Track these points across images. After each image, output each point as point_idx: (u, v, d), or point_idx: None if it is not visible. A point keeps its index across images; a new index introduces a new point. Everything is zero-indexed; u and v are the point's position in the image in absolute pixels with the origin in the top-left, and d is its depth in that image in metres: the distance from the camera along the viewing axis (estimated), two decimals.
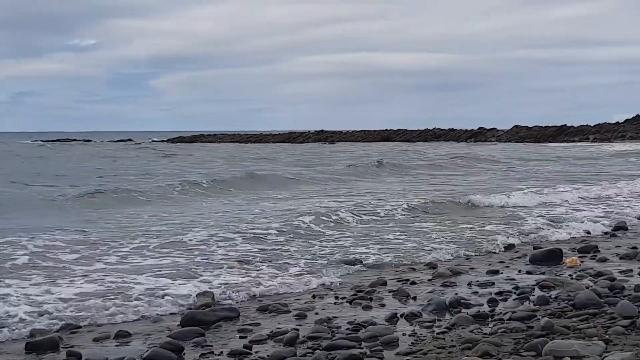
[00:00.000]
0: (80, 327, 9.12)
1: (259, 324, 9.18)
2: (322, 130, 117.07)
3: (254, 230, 15.98)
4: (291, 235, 15.71)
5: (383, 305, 10.01)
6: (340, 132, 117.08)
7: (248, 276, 11.75)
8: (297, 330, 8.68)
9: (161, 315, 9.67)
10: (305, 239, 15.41)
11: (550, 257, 13.09)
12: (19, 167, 42.94)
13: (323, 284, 11.42)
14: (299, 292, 10.98)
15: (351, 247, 14.55)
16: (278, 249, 14.25)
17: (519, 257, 13.55)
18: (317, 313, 9.62)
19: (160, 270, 12.06)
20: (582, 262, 12.84)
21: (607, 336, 7.87)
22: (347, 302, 10.22)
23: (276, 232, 15.94)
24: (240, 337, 8.63)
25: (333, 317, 9.40)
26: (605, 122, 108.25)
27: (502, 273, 12.14)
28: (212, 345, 8.32)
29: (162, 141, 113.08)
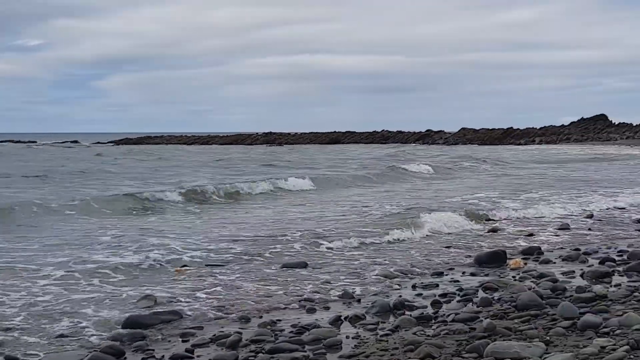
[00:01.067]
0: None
1: (201, 328, 9.12)
2: (271, 132, 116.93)
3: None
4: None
5: (327, 308, 9.99)
6: (289, 134, 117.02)
7: (191, 280, 11.66)
8: (240, 333, 8.63)
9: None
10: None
11: (495, 258, 13.18)
12: None
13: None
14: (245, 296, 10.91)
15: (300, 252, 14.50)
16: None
17: (463, 258, 13.61)
18: (261, 316, 9.57)
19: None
20: (525, 263, 12.94)
21: (547, 337, 7.93)
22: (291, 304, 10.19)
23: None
24: (183, 341, 8.55)
25: (277, 320, 9.36)
26: (551, 125, 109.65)
27: (446, 275, 12.19)
28: (153, 350, 8.24)
29: (109, 143, 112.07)
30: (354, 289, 11.05)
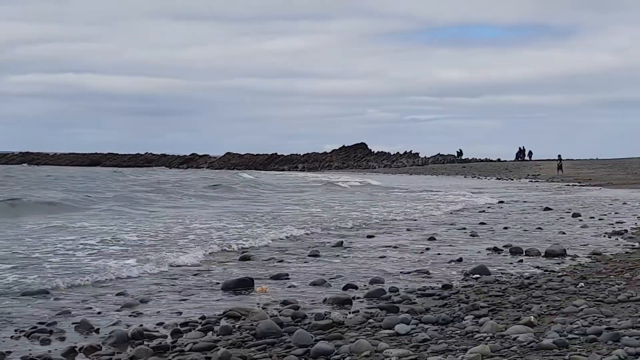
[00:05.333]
0: None
1: None
2: (28, 152, 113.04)
3: None
4: None
5: (63, 339, 9.65)
6: (47, 154, 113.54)
7: None
8: None
9: None
10: None
11: (241, 284, 13.26)
12: None
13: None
14: None
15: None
16: None
17: (212, 283, 13.57)
18: None
19: None
20: (267, 290, 13.07)
21: None
22: (25, 335, 9.76)
23: None
24: None
25: (7, 351, 8.94)
26: (314, 152, 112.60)
27: (192, 301, 12.10)
28: None
29: None
30: (93, 318, 10.76)
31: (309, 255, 17.41)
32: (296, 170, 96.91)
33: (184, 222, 24.40)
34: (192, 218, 26.02)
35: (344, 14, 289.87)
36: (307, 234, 21.93)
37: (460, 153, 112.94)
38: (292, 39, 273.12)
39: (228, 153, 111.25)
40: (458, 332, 9.28)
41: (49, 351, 8.99)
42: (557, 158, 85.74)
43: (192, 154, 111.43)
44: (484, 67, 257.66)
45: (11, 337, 9.70)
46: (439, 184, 60.60)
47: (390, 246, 18.74)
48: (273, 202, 36.48)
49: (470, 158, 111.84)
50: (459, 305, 10.94)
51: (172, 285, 13.49)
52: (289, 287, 13.44)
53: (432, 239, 20.43)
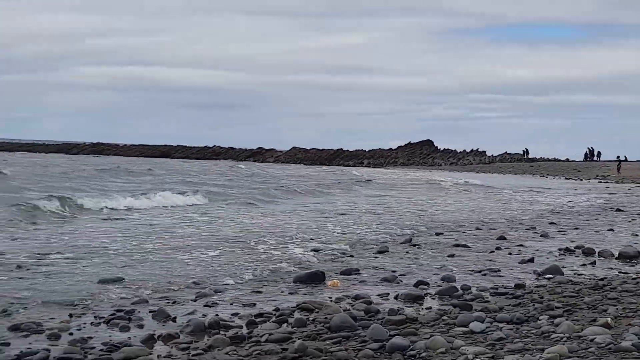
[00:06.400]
0: None
1: (8, 344, 8.81)
2: (99, 143, 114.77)
3: None
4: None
5: (141, 327, 9.85)
6: (117, 145, 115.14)
7: None
8: (49, 350, 8.40)
9: None
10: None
11: (313, 278, 13.35)
12: None
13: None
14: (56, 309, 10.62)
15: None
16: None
17: (283, 277, 13.69)
18: (71, 333, 9.34)
19: None
20: (341, 284, 13.16)
21: (357, 359, 8.10)
22: (104, 322, 9.98)
23: None
24: None
25: (88, 337, 9.15)
26: (379, 148, 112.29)
27: (265, 293, 12.23)
28: None
29: None
30: (170, 307, 10.95)
31: (377, 252, 17.43)
32: (362, 166, 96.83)
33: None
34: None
35: (411, 10, 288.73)
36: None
37: (526, 152, 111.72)
38: (358, 35, 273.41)
39: (294, 147, 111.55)
40: (533, 331, 9.26)
41: (129, 338, 9.19)
42: (616, 159, 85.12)
43: (259, 148, 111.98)
44: (551, 65, 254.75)
45: (91, 323, 9.92)
46: (530, 184, 58.80)
47: (459, 245, 18.67)
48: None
49: (537, 157, 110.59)
50: (533, 305, 10.90)
51: (246, 276, 13.64)
52: (360, 282, 13.50)
53: (502, 238, 20.31)
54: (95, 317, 10.24)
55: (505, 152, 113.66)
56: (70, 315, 10.28)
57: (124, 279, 12.83)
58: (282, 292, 12.45)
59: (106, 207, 26.14)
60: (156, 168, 62.27)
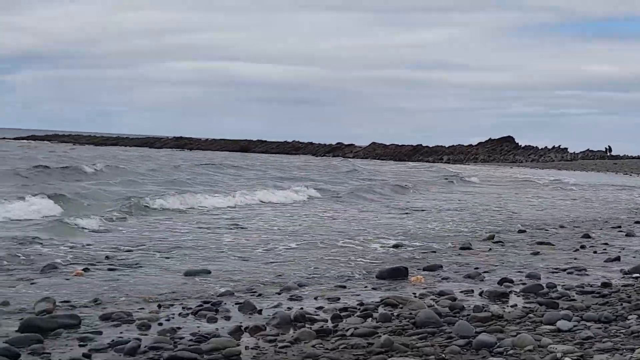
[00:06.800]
0: None
1: (100, 333, 9.03)
2: (181, 137, 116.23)
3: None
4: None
5: (228, 318, 9.99)
6: (199, 139, 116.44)
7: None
8: (139, 340, 8.57)
9: None
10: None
11: (396, 274, 13.36)
12: None
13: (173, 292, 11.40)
14: (145, 301, 10.85)
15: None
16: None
17: (367, 273, 13.73)
18: (160, 324, 9.52)
19: None
20: (423, 280, 13.14)
21: (443, 355, 8.10)
22: (192, 313, 10.15)
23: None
24: (80, 345, 8.47)
25: (177, 327, 9.33)
26: (459, 144, 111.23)
27: (348, 288, 12.29)
28: (50, 353, 8.14)
29: (16, 139, 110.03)
30: (255, 299, 11.09)
31: (460, 248, 17.35)
32: (441, 162, 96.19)
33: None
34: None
35: (492, 6, 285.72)
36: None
37: (609, 149, 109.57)
38: (437, 30, 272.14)
39: (373, 143, 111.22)
40: (622, 331, 9.12)
41: (217, 329, 9.32)
42: None
43: (338, 143, 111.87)
44: (636, 61, 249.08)
45: (179, 314, 10.10)
46: (613, 182, 57.52)
47: (543, 242, 18.47)
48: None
49: (621, 155, 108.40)
50: (621, 304, 10.73)
51: (329, 271, 13.73)
52: (443, 278, 13.46)
53: (586, 236, 20.02)
54: (183, 308, 10.43)
55: (588, 150, 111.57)
56: (159, 306, 10.49)
57: (210, 271, 13.07)
58: (365, 287, 12.49)
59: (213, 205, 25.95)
60: (254, 163, 62.51)
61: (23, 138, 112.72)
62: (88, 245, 15.59)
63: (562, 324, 9.33)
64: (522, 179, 54.81)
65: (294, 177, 44.24)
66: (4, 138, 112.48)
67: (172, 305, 10.62)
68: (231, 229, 19.39)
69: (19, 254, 13.83)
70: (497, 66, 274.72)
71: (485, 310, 10.36)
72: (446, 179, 49.85)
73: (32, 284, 11.69)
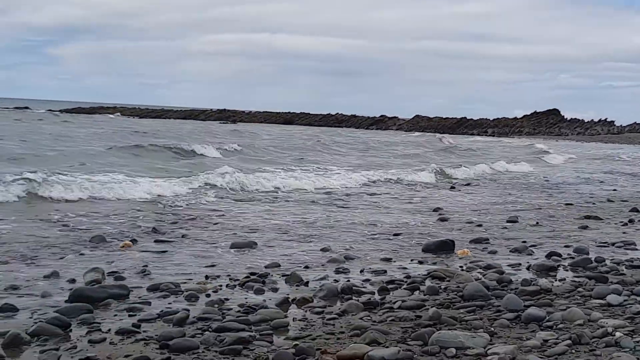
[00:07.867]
0: None
1: (149, 303, 9.08)
2: (225, 109, 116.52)
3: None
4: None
5: (275, 290, 10.00)
6: (242, 112, 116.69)
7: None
8: (188, 310, 8.62)
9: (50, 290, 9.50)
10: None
11: (443, 247, 13.29)
12: None
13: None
14: (192, 272, 10.91)
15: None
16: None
17: (411, 246, 13.70)
18: (208, 295, 9.56)
19: None
20: (469, 253, 13.06)
21: (492, 328, 8.04)
22: (239, 285, 10.18)
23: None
24: (130, 316, 8.53)
25: (225, 299, 9.36)
26: (504, 117, 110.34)
27: (394, 261, 12.26)
28: (100, 323, 8.19)
29: (60, 111, 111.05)
30: (302, 271, 11.10)
31: (507, 221, 17.25)
32: (486, 135, 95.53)
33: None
34: None
35: None
36: None
37: None
38: (486, 2, 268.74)
39: (417, 116, 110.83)
40: None
41: (264, 300, 9.33)
42: None
43: (382, 116, 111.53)
44: None
45: (227, 285, 10.13)
46: None
47: (591, 217, 18.27)
48: None
49: None
50: None
51: (374, 244, 13.72)
52: (490, 252, 13.37)
53: (634, 210, 19.78)
54: (230, 279, 10.47)
55: (635, 123, 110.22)
56: (207, 277, 10.54)
57: (256, 243, 13.10)
58: (411, 260, 12.44)
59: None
60: (355, 140, 60.30)
61: (71, 110, 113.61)
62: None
63: (612, 298, 9.22)
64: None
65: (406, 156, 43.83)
66: (50, 110, 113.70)
67: (219, 276, 10.66)
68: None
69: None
70: (543, 38, 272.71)
71: (533, 284, 10.27)
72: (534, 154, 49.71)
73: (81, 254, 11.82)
